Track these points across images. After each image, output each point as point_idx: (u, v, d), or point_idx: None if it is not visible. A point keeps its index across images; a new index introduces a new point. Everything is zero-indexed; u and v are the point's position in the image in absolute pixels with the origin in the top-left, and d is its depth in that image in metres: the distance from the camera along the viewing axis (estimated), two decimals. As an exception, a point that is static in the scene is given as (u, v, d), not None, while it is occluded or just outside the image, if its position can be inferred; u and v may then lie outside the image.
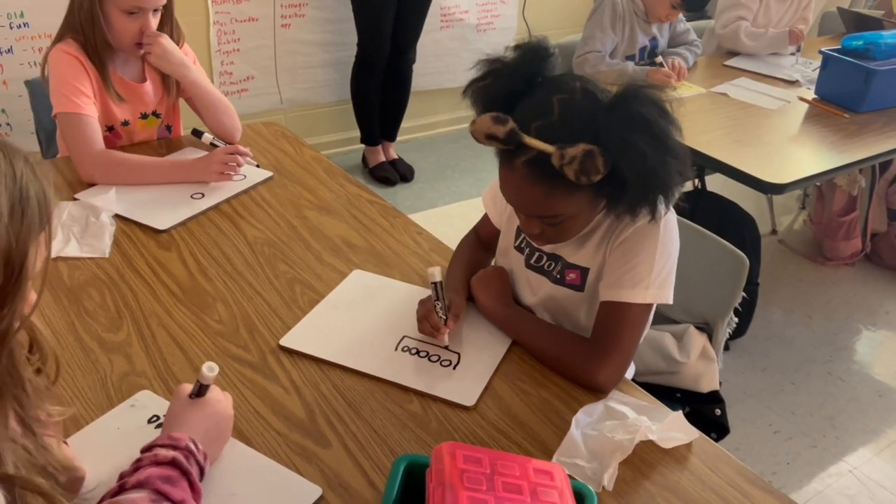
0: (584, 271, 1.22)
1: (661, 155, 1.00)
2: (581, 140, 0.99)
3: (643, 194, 1.03)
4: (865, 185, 2.94)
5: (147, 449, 0.87)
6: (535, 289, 1.29)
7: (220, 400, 0.97)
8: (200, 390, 0.95)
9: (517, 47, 1.10)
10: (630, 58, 2.79)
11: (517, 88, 1.08)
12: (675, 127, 1.02)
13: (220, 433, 0.95)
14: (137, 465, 0.84)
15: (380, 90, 3.34)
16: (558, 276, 1.25)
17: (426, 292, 1.32)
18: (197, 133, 1.73)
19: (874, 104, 2.47)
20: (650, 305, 1.19)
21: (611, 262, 1.18)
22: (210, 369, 0.94)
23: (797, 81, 2.73)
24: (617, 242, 1.17)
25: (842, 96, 2.51)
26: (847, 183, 2.94)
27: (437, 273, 1.19)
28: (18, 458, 0.74)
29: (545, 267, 1.26)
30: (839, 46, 2.57)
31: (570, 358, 1.16)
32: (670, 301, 1.17)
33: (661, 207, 1.07)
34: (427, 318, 1.19)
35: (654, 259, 1.15)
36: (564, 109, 1.04)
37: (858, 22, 3.14)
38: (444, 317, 1.19)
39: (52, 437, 0.82)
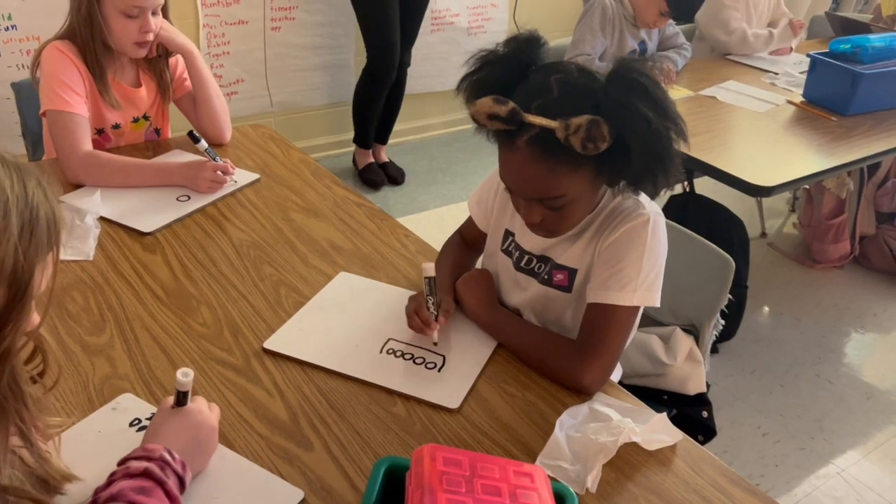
0: (571, 272, 1.22)
1: (662, 120, 1.01)
2: (583, 112, 1.00)
3: (647, 162, 1.04)
4: (854, 188, 2.95)
5: (122, 462, 0.86)
6: (522, 290, 1.29)
7: (202, 411, 0.95)
8: (180, 398, 0.94)
9: (510, 40, 1.11)
10: (620, 61, 2.80)
11: (511, 76, 1.08)
12: (668, 98, 1.04)
13: (199, 444, 0.93)
14: (111, 480, 0.83)
15: (383, 99, 3.31)
16: (546, 277, 1.25)
17: (413, 294, 1.31)
18: (194, 137, 1.69)
19: (861, 107, 2.48)
20: (637, 308, 1.19)
21: (598, 263, 1.18)
22: (185, 375, 0.93)
23: (774, 84, 2.76)
24: (605, 244, 1.17)
25: (829, 99, 2.52)
26: (835, 186, 2.96)
27: (431, 268, 1.19)
28: (16, 469, 0.75)
29: (534, 269, 1.26)
30: (827, 50, 2.59)
31: (554, 359, 1.16)
32: (657, 304, 1.17)
33: (662, 181, 1.07)
34: (418, 313, 1.19)
35: (642, 261, 1.15)
36: (563, 86, 1.05)
37: (846, 26, 3.15)
38: (436, 313, 1.18)
39: (47, 448, 0.83)
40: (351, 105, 3.35)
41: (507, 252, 1.31)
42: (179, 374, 0.92)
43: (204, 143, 1.67)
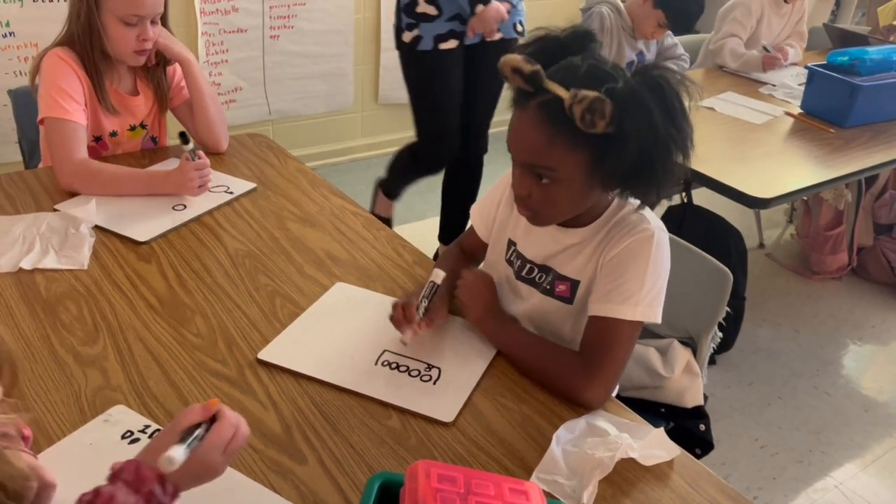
0: (574, 284, 1.22)
1: (666, 124, 1.02)
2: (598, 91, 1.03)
3: (640, 158, 1.04)
4: (852, 200, 2.95)
5: (113, 477, 0.80)
6: (522, 300, 1.28)
7: (217, 456, 0.84)
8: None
9: (568, 28, 1.14)
10: (618, 71, 2.80)
11: (556, 57, 1.10)
12: (683, 110, 1.05)
13: (198, 478, 0.85)
14: (94, 499, 0.77)
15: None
16: (548, 288, 1.24)
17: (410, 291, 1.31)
18: (184, 138, 1.62)
19: (859, 119, 2.48)
20: (639, 323, 1.17)
21: (601, 276, 1.18)
22: (170, 462, 0.79)
23: (772, 95, 2.76)
24: (608, 257, 1.17)
25: (827, 111, 2.52)
26: (833, 197, 2.96)
27: (440, 275, 1.19)
28: None
29: (535, 279, 1.26)
30: (825, 62, 2.59)
31: (557, 372, 1.15)
32: (658, 320, 1.17)
33: (654, 190, 1.09)
34: (405, 307, 1.19)
35: (645, 276, 1.14)
36: (591, 68, 1.07)
37: (844, 38, 3.16)
38: (422, 315, 1.18)
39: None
40: (349, 112, 3.31)
41: (509, 261, 1.31)
42: (163, 462, 0.79)
43: (191, 145, 1.61)
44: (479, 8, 2.29)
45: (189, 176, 1.59)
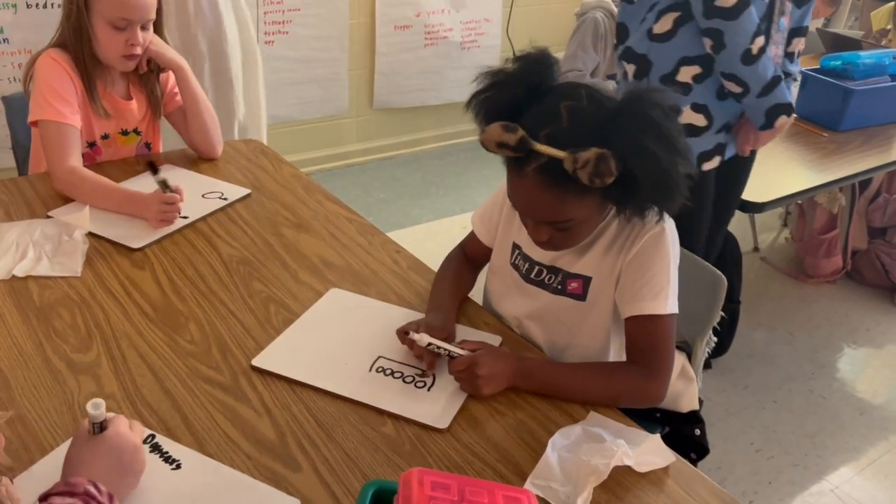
0: (586, 280, 1.23)
1: (670, 155, 1.02)
2: (591, 144, 1.01)
3: (654, 195, 1.06)
4: (846, 203, 2.96)
5: (43, 498, 0.80)
6: (533, 300, 1.29)
7: (121, 433, 0.91)
8: (96, 429, 0.90)
9: (519, 58, 1.11)
10: (611, 77, 2.81)
11: (521, 97, 1.09)
12: (678, 129, 1.05)
13: (125, 467, 0.89)
14: None
15: None
16: (559, 287, 1.25)
17: (403, 311, 1.31)
18: (153, 168, 1.55)
19: (853, 123, 2.49)
20: (675, 315, 1.19)
21: (626, 276, 1.19)
22: (95, 407, 0.89)
23: None
24: (629, 255, 1.18)
25: (821, 115, 2.53)
26: (827, 201, 2.97)
27: (424, 340, 1.14)
28: None
29: (545, 280, 1.27)
30: (818, 66, 2.60)
31: (625, 388, 1.16)
32: (677, 311, 1.19)
33: (668, 209, 1.10)
34: (418, 355, 1.17)
35: (669, 269, 1.17)
36: (573, 116, 1.05)
37: (837, 42, 3.18)
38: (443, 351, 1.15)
39: None
40: (344, 117, 3.30)
41: (515, 265, 1.32)
42: (90, 406, 0.89)
43: (161, 176, 1.54)
44: (782, 120, 1.80)
45: (152, 208, 1.50)
